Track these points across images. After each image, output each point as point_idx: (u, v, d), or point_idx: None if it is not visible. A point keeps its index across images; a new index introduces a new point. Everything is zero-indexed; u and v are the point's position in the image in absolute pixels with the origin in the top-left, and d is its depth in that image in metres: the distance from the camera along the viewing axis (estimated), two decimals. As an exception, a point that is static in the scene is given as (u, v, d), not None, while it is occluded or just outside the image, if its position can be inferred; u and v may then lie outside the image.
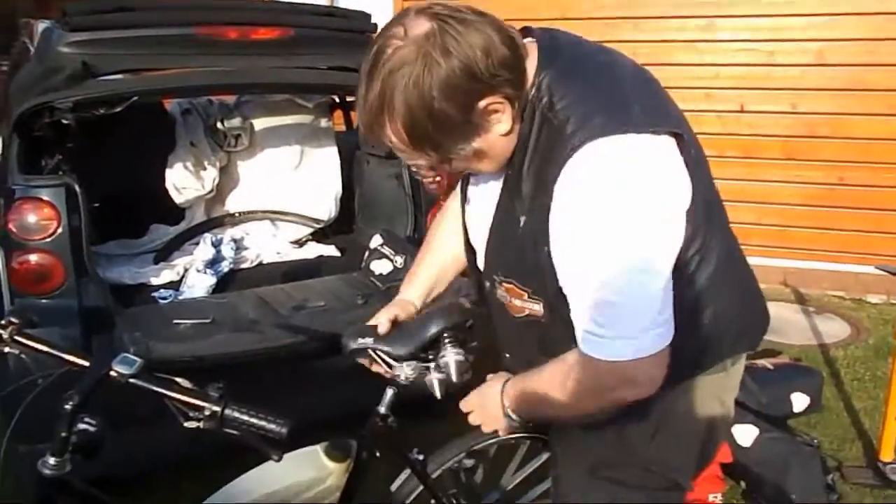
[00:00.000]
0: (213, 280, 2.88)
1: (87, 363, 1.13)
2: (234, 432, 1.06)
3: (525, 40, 1.14)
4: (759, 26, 4.58)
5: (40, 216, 2.30)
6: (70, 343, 2.17)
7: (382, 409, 1.48)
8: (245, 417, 1.05)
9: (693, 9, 4.67)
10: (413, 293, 1.57)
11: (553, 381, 1.18)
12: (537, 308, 1.19)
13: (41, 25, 2.76)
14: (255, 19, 2.92)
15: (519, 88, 1.08)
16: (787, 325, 4.09)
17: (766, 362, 3.06)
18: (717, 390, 1.32)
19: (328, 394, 2.40)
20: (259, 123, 3.45)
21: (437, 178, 1.24)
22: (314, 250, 3.42)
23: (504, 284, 1.23)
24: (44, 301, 2.31)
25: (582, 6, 4.85)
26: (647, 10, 4.72)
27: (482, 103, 1.05)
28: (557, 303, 1.13)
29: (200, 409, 1.05)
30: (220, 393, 1.06)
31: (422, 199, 3.07)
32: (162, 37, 2.67)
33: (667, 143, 1.08)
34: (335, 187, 3.48)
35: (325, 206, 3.48)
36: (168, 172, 3.21)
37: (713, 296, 1.21)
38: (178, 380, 1.10)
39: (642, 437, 1.26)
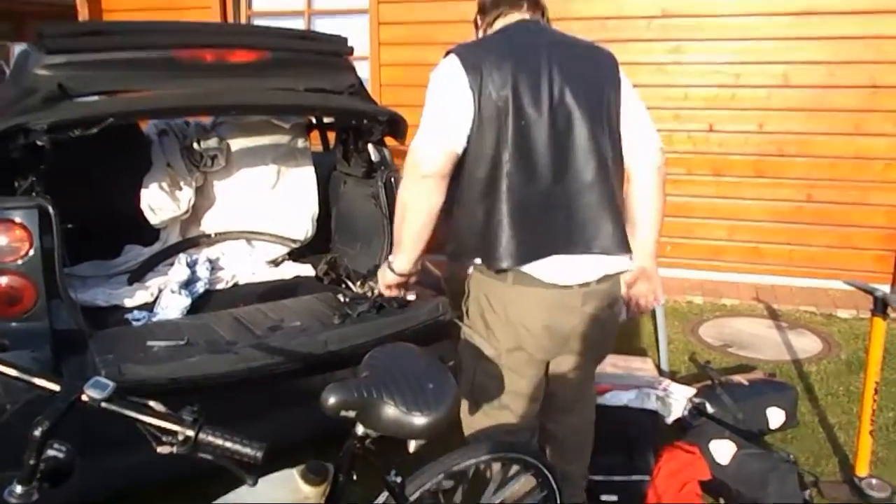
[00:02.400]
0: (187, 301, 2.86)
1: (57, 387, 1.11)
2: (209, 457, 1.05)
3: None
4: (725, 49, 4.69)
5: (12, 238, 2.27)
6: (40, 366, 2.14)
7: (360, 431, 1.47)
8: (219, 441, 1.04)
9: (661, 32, 4.77)
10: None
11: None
12: None
13: (18, 48, 2.75)
14: (232, 42, 2.93)
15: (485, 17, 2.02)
16: (760, 340, 4.14)
17: (741, 378, 3.10)
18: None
19: (305, 415, 2.38)
20: (236, 144, 3.45)
21: None
22: (291, 270, 3.41)
23: None
24: (14, 324, 2.27)
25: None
26: (617, 33, 4.81)
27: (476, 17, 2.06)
28: None
29: (174, 433, 1.04)
30: (193, 417, 1.05)
31: (398, 218, 3.07)
32: (139, 59, 2.67)
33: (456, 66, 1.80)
34: (312, 207, 3.48)
35: (302, 226, 3.48)
36: (143, 193, 3.20)
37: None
38: (152, 403, 1.08)
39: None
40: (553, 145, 1.77)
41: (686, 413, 2.93)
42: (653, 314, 3.62)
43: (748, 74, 4.69)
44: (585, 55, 1.92)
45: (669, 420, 2.92)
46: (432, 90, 1.80)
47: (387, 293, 2.02)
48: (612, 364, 2.96)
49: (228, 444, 1.04)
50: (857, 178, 4.63)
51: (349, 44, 3.23)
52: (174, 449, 1.04)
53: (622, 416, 2.62)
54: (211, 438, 1.04)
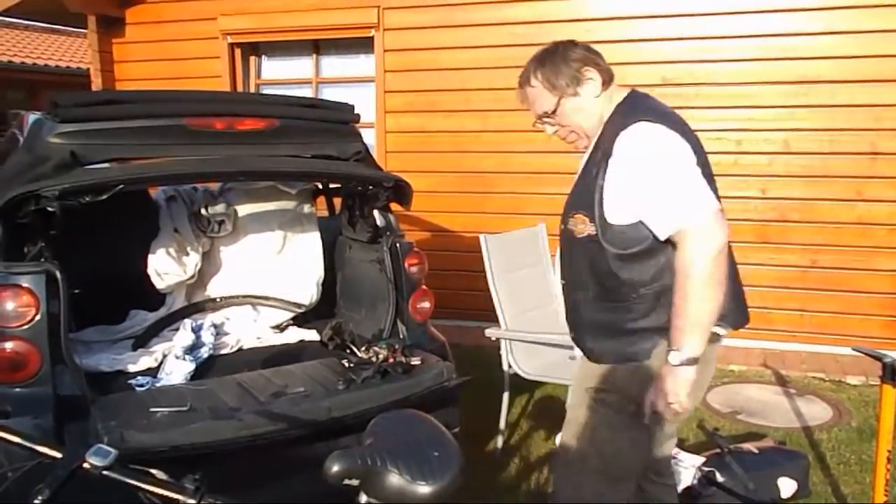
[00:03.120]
0: (191, 366, 2.85)
1: (59, 454, 1.10)
2: None
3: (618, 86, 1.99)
4: (726, 117, 4.78)
5: (18, 303, 2.28)
6: (43, 433, 2.12)
7: (363, 500, 1.45)
8: None
9: (664, 100, 4.86)
10: None
11: (688, 280, 1.70)
12: (592, 229, 1.83)
13: (31, 116, 2.82)
14: (241, 110, 3.00)
15: (605, 78, 1.93)
16: (769, 407, 4.08)
17: (751, 446, 3.04)
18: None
19: (307, 483, 2.34)
20: (243, 209, 3.50)
21: (558, 130, 2.00)
22: (295, 335, 3.40)
23: (576, 216, 1.88)
24: (17, 389, 2.26)
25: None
26: (621, 101, 4.89)
27: (584, 69, 1.91)
28: (602, 224, 1.82)
29: (175, 502, 1.03)
30: (195, 485, 1.04)
31: (403, 283, 3.09)
32: (150, 127, 2.73)
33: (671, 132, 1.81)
34: (317, 272, 3.50)
35: (307, 291, 3.48)
36: (150, 258, 3.22)
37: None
38: (153, 471, 1.07)
39: (628, 374, 1.89)
40: None
41: (695, 482, 2.87)
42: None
43: (749, 141, 4.77)
44: None
45: (679, 489, 2.86)
46: (661, 156, 1.77)
47: (681, 401, 1.77)
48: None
49: None
50: (861, 244, 4.64)
51: (356, 111, 3.31)
52: None
53: (631, 486, 2.56)
54: None
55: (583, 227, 1.84)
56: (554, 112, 1.92)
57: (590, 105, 1.91)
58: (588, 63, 1.89)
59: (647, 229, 1.76)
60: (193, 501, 1.02)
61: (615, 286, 1.84)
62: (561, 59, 1.89)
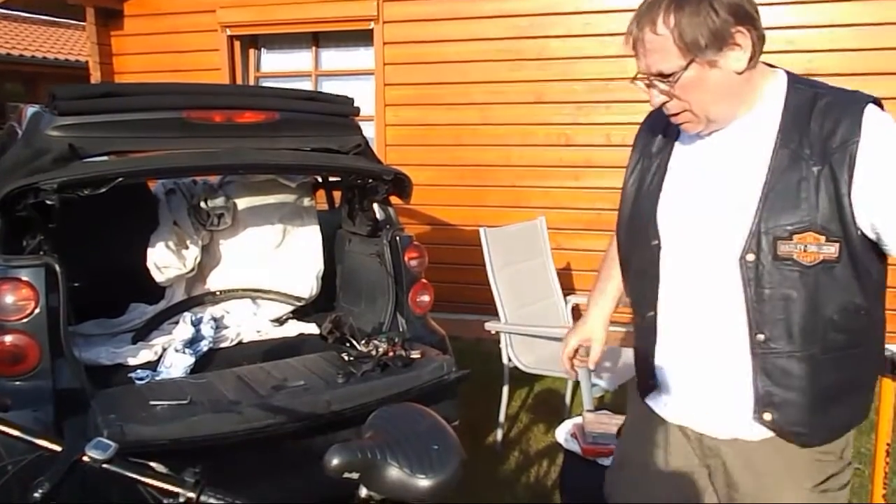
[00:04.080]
0: (191, 360, 2.85)
1: (59, 448, 1.10)
2: None
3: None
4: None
5: (18, 297, 2.28)
6: (42, 426, 2.12)
7: (363, 494, 1.45)
8: (223, 502, 1.03)
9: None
10: (606, 305, 1.84)
11: None
12: (833, 251, 1.34)
13: (30, 109, 2.81)
14: (241, 103, 3.00)
15: (760, 46, 1.35)
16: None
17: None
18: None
19: (308, 476, 2.35)
20: (242, 203, 3.49)
21: (669, 103, 1.41)
22: (295, 328, 3.40)
23: (797, 236, 1.34)
24: (17, 382, 2.27)
25: (554, 90, 5.03)
26: (619, 94, 4.90)
27: (735, 28, 1.31)
28: (853, 240, 1.34)
29: (175, 495, 1.03)
30: (195, 478, 1.04)
31: (403, 277, 3.09)
32: (149, 120, 2.73)
33: None
34: (317, 265, 3.50)
35: (307, 284, 3.48)
36: (150, 251, 3.22)
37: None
38: (153, 464, 1.07)
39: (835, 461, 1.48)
40: None
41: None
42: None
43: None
44: None
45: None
46: None
47: None
48: (619, 425, 2.91)
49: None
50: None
51: (355, 104, 3.30)
52: None
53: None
54: (213, 501, 1.02)
55: (815, 250, 1.33)
56: (673, 76, 1.35)
57: (727, 82, 1.35)
58: (744, 21, 1.31)
59: (877, 249, 1.38)
60: (193, 495, 1.02)
61: (862, 327, 1.41)
62: (709, 6, 1.30)
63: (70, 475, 1.04)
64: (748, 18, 1.32)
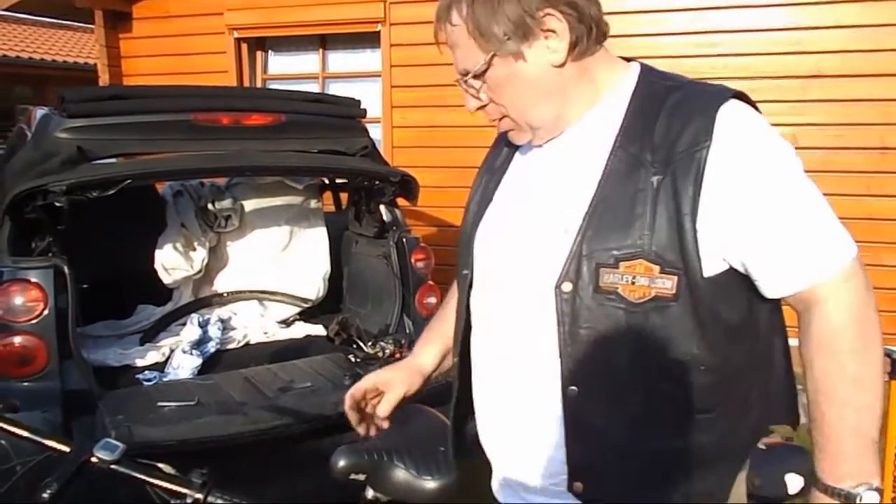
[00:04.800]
0: (199, 361, 2.86)
1: (67, 448, 1.11)
2: None
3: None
4: (735, 111, 4.75)
5: (27, 298, 2.30)
6: (51, 427, 2.13)
7: (369, 495, 1.45)
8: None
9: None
10: (427, 356, 1.42)
11: (837, 363, 1.06)
12: (668, 285, 1.01)
13: (39, 112, 2.83)
14: (248, 105, 3.01)
15: (590, 31, 1.07)
16: (776, 403, 4.07)
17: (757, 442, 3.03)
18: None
19: (315, 477, 2.35)
20: (249, 205, 3.50)
21: (487, 107, 1.15)
22: (302, 330, 3.41)
23: (624, 264, 1.02)
24: (25, 383, 2.28)
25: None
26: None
27: (544, 11, 1.03)
28: (694, 274, 1.01)
29: (183, 496, 1.03)
30: (202, 479, 1.05)
31: (410, 279, 3.09)
32: (157, 122, 2.74)
33: None
34: (324, 267, 3.50)
35: (314, 286, 3.49)
36: (157, 253, 3.23)
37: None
38: (161, 465, 1.08)
39: None
40: None
41: (702, 478, 2.86)
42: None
43: (756, 136, 4.74)
44: None
45: (686, 485, 2.85)
46: (790, 159, 1.07)
47: None
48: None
49: None
50: (869, 239, 4.61)
51: (362, 106, 3.31)
52: None
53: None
54: (220, 502, 1.03)
55: (646, 283, 1.02)
56: (484, 74, 1.10)
57: (543, 78, 1.08)
58: (557, 1, 1.04)
59: (747, 283, 1.05)
60: (200, 496, 1.03)
61: (707, 387, 1.06)
62: None
63: (78, 476, 1.05)
64: (572, 4, 1.04)
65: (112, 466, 1.06)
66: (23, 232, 2.47)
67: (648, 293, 1.02)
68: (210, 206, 3.40)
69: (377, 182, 3.07)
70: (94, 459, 1.06)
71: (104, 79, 6.20)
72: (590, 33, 1.07)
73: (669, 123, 1.04)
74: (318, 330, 3.38)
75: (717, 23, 4.73)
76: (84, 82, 10.45)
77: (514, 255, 1.14)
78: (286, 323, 3.47)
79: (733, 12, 4.69)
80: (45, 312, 2.30)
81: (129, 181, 2.49)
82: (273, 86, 6.03)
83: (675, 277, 1.01)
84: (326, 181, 3.76)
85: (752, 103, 1.11)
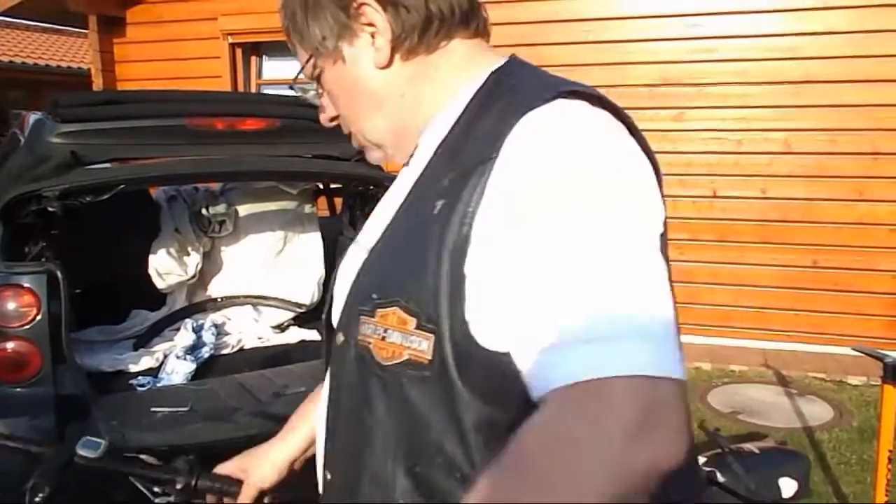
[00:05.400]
0: (192, 366, 2.85)
1: (49, 449, 1.11)
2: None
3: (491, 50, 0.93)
4: (726, 116, 4.78)
5: (20, 303, 2.29)
6: (43, 432, 2.12)
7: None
8: (218, 484, 1.06)
9: (663, 100, 4.87)
10: (286, 450, 1.19)
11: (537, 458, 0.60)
12: (424, 347, 0.73)
13: (33, 116, 2.82)
14: (242, 110, 3.01)
15: (422, 26, 0.83)
16: (770, 407, 4.08)
17: (752, 446, 3.03)
18: None
19: (310, 481, 2.35)
20: (244, 209, 3.50)
21: (336, 118, 0.96)
22: (296, 335, 3.40)
23: (380, 312, 0.77)
24: (19, 389, 2.27)
25: (558, 97, 5.04)
26: (619, 101, 4.81)
27: (359, 2, 0.83)
28: (455, 335, 0.71)
29: (171, 482, 1.04)
30: (189, 465, 1.05)
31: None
32: (151, 127, 2.74)
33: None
34: (318, 272, 3.50)
35: (308, 291, 3.49)
36: (151, 258, 3.22)
37: None
38: (143, 457, 1.09)
39: None
40: None
41: (697, 482, 2.87)
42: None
43: (750, 141, 4.76)
44: None
45: (680, 490, 2.86)
46: (604, 187, 0.70)
47: None
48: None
49: (226, 487, 1.06)
50: (862, 244, 4.64)
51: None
52: (172, 498, 1.03)
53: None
54: (210, 483, 1.04)
55: (398, 341, 0.75)
56: (320, 79, 0.92)
57: (369, 84, 0.87)
58: None
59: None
60: (190, 479, 1.03)
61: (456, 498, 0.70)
62: None
63: (63, 475, 1.05)
64: None
65: (95, 464, 1.06)
66: (16, 237, 2.46)
67: (399, 354, 0.74)
68: (204, 210, 3.40)
69: (372, 186, 3.08)
70: (77, 458, 1.06)
71: (98, 83, 6.18)
72: (428, 25, 0.83)
73: (480, 135, 0.77)
74: (312, 335, 3.38)
75: (712, 29, 4.75)
76: (78, 87, 10.44)
77: (337, 305, 0.92)
78: (280, 328, 3.46)
79: (728, 18, 4.72)
80: (39, 318, 2.29)
81: (122, 186, 2.49)
82: (268, 91, 6.02)
83: (432, 338, 0.72)
84: (321, 186, 3.75)
85: (611, 107, 0.79)
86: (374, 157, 0.96)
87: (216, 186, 3.59)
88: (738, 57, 4.71)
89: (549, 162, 0.70)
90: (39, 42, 13.62)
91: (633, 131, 0.80)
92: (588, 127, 0.74)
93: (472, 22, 0.89)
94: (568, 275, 0.64)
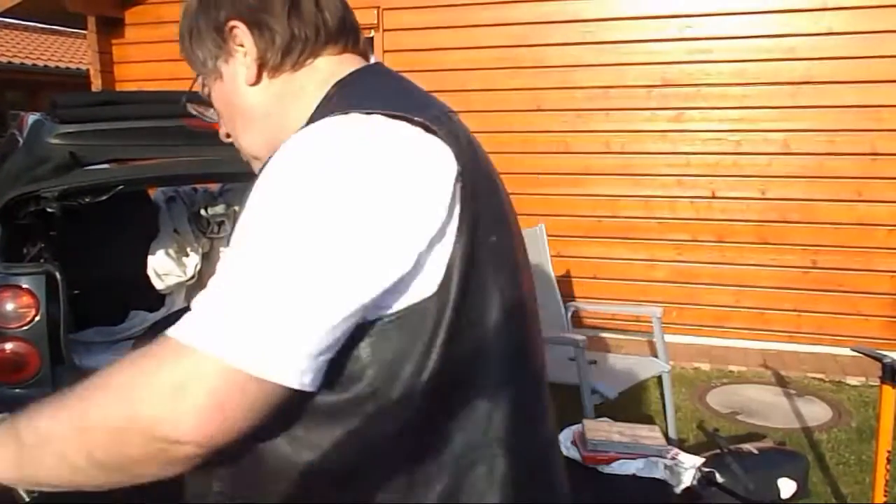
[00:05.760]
0: (191, 367, 2.84)
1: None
2: None
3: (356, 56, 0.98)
4: (725, 117, 4.78)
5: (18, 304, 2.28)
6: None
7: None
8: None
9: (662, 100, 4.87)
10: None
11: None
12: None
13: (31, 118, 2.82)
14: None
15: (283, 46, 0.89)
16: (769, 407, 4.08)
17: (751, 446, 3.03)
18: None
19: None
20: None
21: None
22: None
23: None
24: (17, 390, 2.26)
25: (553, 98, 5.04)
26: (619, 102, 4.91)
27: (231, 24, 0.89)
28: None
29: None
30: None
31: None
32: (150, 128, 2.73)
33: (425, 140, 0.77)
34: (317, 273, 3.49)
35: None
36: (150, 259, 3.22)
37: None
38: None
39: None
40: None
41: (695, 482, 2.87)
42: (660, 381, 3.58)
43: (749, 142, 4.77)
44: None
45: (678, 489, 2.86)
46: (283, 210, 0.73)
47: None
48: (619, 432, 2.92)
49: None
50: (861, 244, 4.64)
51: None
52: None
53: (630, 486, 2.56)
54: None
55: None
56: (210, 97, 1.00)
57: (243, 101, 0.93)
58: (242, 13, 0.89)
59: None
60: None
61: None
62: (210, 5, 0.91)
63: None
64: (251, 9, 0.88)
65: None
66: (15, 238, 2.45)
67: None
68: (203, 211, 3.39)
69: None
70: None
71: (97, 84, 6.18)
72: (291, 46, 0.88)
73: None
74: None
75: (711, 29, 4.75)
76: (76, 88, 10.43)
77: None
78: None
79: (727, 19, 4.72)
80: (37, 319, 2.29)
81: (121, 187, 2.49)
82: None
83: None
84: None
85: (437, 130, 0.78)
86: (256, 168, 0.95)
87: (215, 187, 3.59)
88: (737, 58, 4.72)
89: (268, 168, 0.75)
90: (38, 43, 13.61)
91: (469, 157, 0.82)
92: (332, 142, 0.74)
93: (340, 40, 0.95)
94: (221, 264, 0.73)
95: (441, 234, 0.75)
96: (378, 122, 0.76)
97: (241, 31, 0.89)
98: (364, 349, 0.75)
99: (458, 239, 0.77)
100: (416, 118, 0.77)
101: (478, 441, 0.81)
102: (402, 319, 0.75)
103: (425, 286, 0.76)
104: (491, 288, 0.82)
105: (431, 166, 0.76)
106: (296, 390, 0.70)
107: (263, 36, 0.88)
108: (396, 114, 0.76)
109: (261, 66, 0.90)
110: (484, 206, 0.82)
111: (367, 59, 1.01)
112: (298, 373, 0.69)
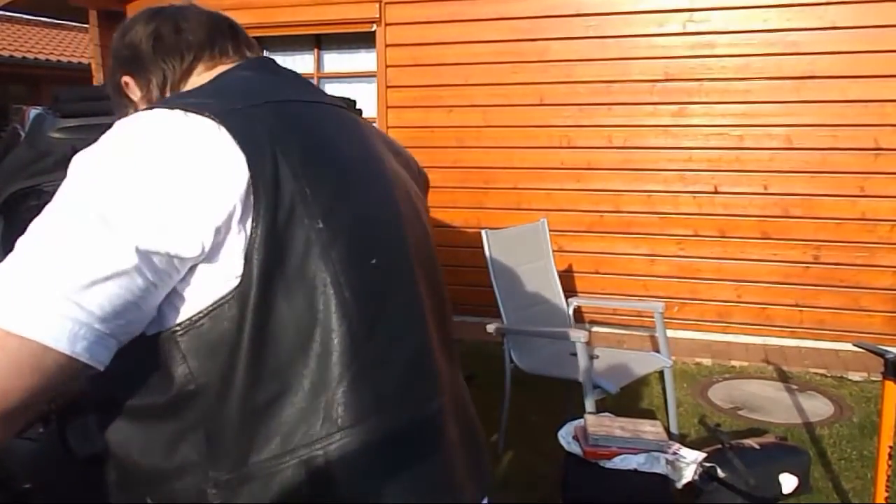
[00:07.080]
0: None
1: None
2: None
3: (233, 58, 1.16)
4: (728, 112, 4.77)
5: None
6: (43, 433, 2.12)
7: None
8: None
9: (665, 95, 4.86)
10: None
11: None
12: None
13: (33, 111, 2.82)
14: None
15: (158, 80, 1.07)
16: (771, 403, 4.08)
17: (752, 442, 3.04)
18: None
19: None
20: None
21: None
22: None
23: None
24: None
25: (556, 92, 5.04)
26: (621, 97, 4.90)
27: (125, 79, 1.10)
28: None
29: None
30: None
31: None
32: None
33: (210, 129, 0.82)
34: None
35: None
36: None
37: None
38: None
39: None
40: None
41: (697, 477, 2.87)
42: (661, 376, 3.58)
43: (752, 136, 4.76)
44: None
45: (680, 484, 2.86)
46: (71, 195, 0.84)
47: None
48: (621, 427, 2.92)
49: None
50: (864, 239, 4.64)
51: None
52: None
53: (632, 481, 2.56)
54: None
55: None
56: None
57: None
58: (124, 67, 1.09)
59: None
60: None
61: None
62: (111, 69, 1.12)
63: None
64: (128, 60, 1.08)
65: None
66: (16, 233, 2.45)
67: None
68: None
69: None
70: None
71: (98, 78, 6.18)
72: (164, 78, 1.06)
73: None
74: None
75: (713, 24, 4.74)
76: (78, 82, 10.42)
77: None
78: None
79: (730, 13, 4.71)
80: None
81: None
82: (268, 86, 6.00)
83: None
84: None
85: (228, 125, 0.83)
86: None
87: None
88: (740, 52, 4.71)
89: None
90: (40, 37, 13.60)
91: (273, 147, 0.84)
92: (126, 134, 0.82)
93: (205, 53, 1.09)
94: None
95: (228, 224, 0.79)
96: (172, 115, 0.82)
97: (131, 83, 1.08)
98: (180, 352, 0.82)
99: (254, 229, 0.80)
100: (206, 113, 0.82)
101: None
102: (208, 316, 0.80)
103: (226, 279, 0.80)
104: (314, 271, 0.83)
105: (210, 155, 0.81)
106: (87, 365, 0.74)
107: (143, 79, 1.06)
108: (190, 108, 0.83)
109: (149, 101, 1.06)
110: (304, 191, 0.84)
111: (244, 59, 1.16)
112: (68, 335, 0.73)
